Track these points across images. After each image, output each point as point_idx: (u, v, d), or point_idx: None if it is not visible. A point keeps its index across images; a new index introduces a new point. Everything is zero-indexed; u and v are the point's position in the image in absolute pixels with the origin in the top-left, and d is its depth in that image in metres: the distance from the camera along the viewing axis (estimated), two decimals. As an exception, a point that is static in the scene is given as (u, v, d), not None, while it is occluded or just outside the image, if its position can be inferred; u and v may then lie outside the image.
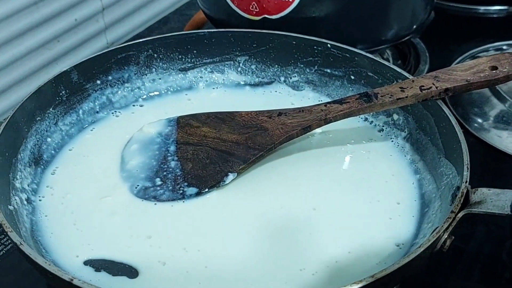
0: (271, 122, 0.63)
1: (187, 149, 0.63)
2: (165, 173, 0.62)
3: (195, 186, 0.61)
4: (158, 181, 0.61)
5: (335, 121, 0.62)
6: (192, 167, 0.62)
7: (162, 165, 0.62)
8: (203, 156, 0.62)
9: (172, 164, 0.62)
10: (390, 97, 0.62)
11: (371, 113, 0.71)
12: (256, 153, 0.62)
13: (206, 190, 0.61)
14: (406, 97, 0.61)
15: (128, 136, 0.68)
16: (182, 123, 0.64)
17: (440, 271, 0.64)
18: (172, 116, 0.66)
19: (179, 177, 0.61)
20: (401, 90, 0.62)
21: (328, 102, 0.63)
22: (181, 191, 0.61)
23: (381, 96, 0.62)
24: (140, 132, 0.65)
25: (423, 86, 0.61)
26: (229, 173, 0.61)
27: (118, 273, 0.55)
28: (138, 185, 0.62)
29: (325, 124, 0.62)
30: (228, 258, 0.56)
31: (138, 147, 0.64)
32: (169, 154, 0.63)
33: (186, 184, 0.61)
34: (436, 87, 0.61)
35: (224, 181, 0.61)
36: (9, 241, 0.66)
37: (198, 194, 0.61)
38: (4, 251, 0.65)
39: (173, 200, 0.60)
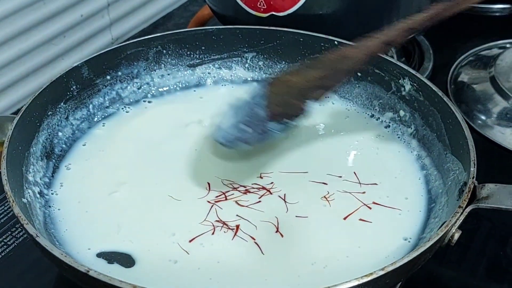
0: (353, 50, 0.62)
1: (277, 98, 0.62)
2: (255, 122, 0.62)
3: (279, 120, 0.62)
4: (248, 129, 0.62)
5: (419, 30, 0.61)
6: (280, 109, 0.62)
7: (252, 116, 0.63)
8: (290, 98, 0.62)
9: (262, 113, 0.62)
10: None
11: (378, 109, 0.72)
12: (337, 77, 0.63)
13: (287, 120, 0.62)
14: None
15: (139, 130, 0.69)
16: (273, 82, 0.64)
17: (446, 266, 0.65)
18: (265, 80, 0.67)
19: (266, 120, 0.62)
20: None
21: (412, 15, 0.61)
22: (268, 129, 0.62)
23: None
24: (235, 101, 0.65)
25: None
26: (308, 100, 0.62)
27: (130, 265, 0.56)
28: (227, 134, 0.62)
29: (409, 35, 0.61)
30: (240, 253, 0.57)
31: (233, 112, 0.64)
32: (258, 107, 0.62)
33: (271, 122, 0.62)
34: None
35: (307, 109, 0.62)
36: (21, 234, 0.67)
37: (281, 127, 0.62)
38: (15, 244, 0.66)
39: (262, 140, 0.62)
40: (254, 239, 0.58)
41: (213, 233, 0.58)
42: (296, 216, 0.60)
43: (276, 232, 0.59)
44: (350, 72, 0.64)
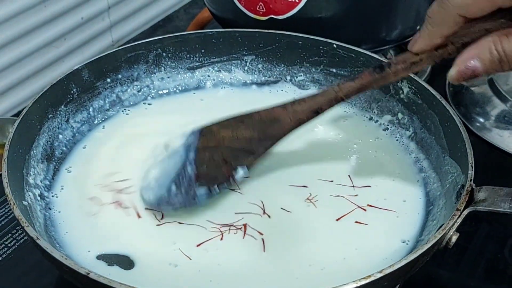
0: (284, 112, 0.60)
1: (204, 154, 0.61)
2: (182, 179, 0.60)
3: (205, 185, 0.60)
4: (173, 188, 0.60)
5: (347, 99, 0.59)
6: (205, 169, 0.61)
7: (179, 173, 0.61)
8: (218, 157, 0.61)
9: (189, 170, 0.61)
10: (403, 63, 0.55)
11: (376, 112, 0.72)
12: (267, 144, 0.61)
13: (216, 188, 0.61)
14: (421, 60, 0.54)
15: (139, 133, 0.70)
16: (204, 131, 0.62)
17: (444, 268, 0.65)
18: (197, 127, 0.63)
19: (192, 181, 0.60)
20: (414, 54, 0.55)
21: (341, 82, 0.59)
22: (192, 193, 0.60)
23: (394, 64, 0.56)
24: (165, 146, 0.64)
25: (438, 46, 0.54)
26: (238, 167, 0.61)
27: (130, 267, 0.56)
28: (154, 195, 0.61)
29: (336, 104, 0.59)
30: (239, 257, 0.57)
31: (161, 160, 0.63)
32: (188, 162, 0.61)
33: (197, 184, 0.60)
34: (453, 43, 0.52)
35: (236, 177, 0.61)
36: (21, 236, 0.67)
37: (208, 194, 0.60)
38: (16, 246, 0.66)
39: (185, 205, 0.60)
40: (261, 234, 0.59)
41: (221, 239, 0.59)
42: (293, 220, 0.61)
43: (274, 235, 0.59)
44: (278, 139, 0.61)
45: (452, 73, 0.51)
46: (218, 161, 0.61)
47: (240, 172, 0.61)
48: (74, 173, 0.66)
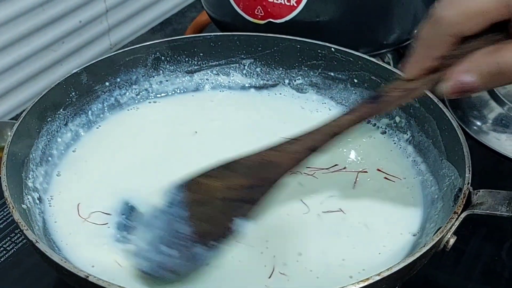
0: (278, 154, 0.56)
1: (199, 210, 0.56)
2: (180, 241, 0.55)
3: (203, 243, 0.55)
4: (173, 253, 0.55)
5: (345, 133, 0.55)
6: (205, 226, 0.56)
7: (175, 235, 0.55)
8: (214, 212, 0.56)
9: (186, 229, 0.55)
10: (399, 91, 0.52)
11: (374, 116, 0.73)
12: (264, 190, 0.56)
13: (214, 243, 0.55)
14: (416, 87, 0.51)
15: (134, 133, 0.71)
16: (190, 185, 0.57)
17: (442, 270, 0.66)
18: (181, 180, 0.58)
19: (194, 242, 0.55)
20: (408, 81, 0.52)
21: (338, 117, 0.55)
22: (197, 256, 0.55)
23: (389, 92, 0.53)
24: (149, 207, 0.59)
25: (431, 69, 0.50)
26: (236, 219, 0.55)
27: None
28: (149, 263, 0.55)
29: (333, 139, 0.55)
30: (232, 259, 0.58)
31: (148, 222, 0.58)
32: (181, 221, 0.56)
33: (198, 245, 0.55)
34: (447, 65, 0.49)
35: (235, 230, 0.55)
36: (20, 239, 0.67)
37: (209, 251, 0.55)
38: (15, 249, 0.67)
39: (191, 268, 0.55)
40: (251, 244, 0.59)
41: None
42: (293, 222, 0.61)
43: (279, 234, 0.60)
44: (277, 181, 0.56)
45: (446, 88, 0.49)
46: (215, 215, 0.56)
47: (239, 223, 0.55)
48: (65, 179, 0.66)
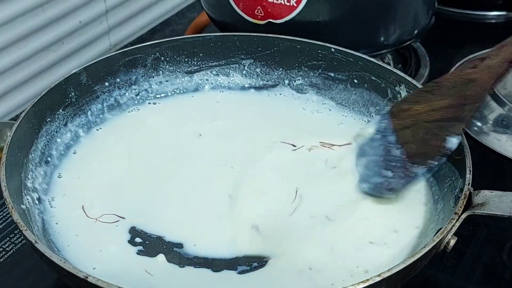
0: (476, 71, 0.57)
1: (406, 133, 0.60)
2: (393, 163, 0.60)
3: (422, 164, 0.59)
4: (389, 174, 0.60)
5: None
6: (415, 148, 0.59)
7: (387, 158, 0.60)
8: (423, 133, 0.59)
9: (397, 152, 0.60)
10: None
11: (374, 116, 0.72)
12: (470, 107, 0.57)
13: (435, 163, 0.59)
14: None
15: (136, 136, 0.71)
16: (395, 111, 0.62)
17: (442, 271, 0.65)
18: (384, 111, 0.64)
19: (406, 162, 0.59)
20: None
21: None
22: (412, 174, 0.60)
23: None
24: (358, 137, 0.64)
25: None
26: (448, 137, 0.58)
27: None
28: (369, 185, 0.61)
29: None
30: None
31: (361, 151, 0.63)
32: (391, 145, 0.60)
33: (414, 165, 0.59)
34: None
35: (449, 148, 0.58)
36: (20, 239, 0.67)
37: (428, 170, 0.60)
38: (14, 250, 0.66)
39: (407, 185, 0.60)
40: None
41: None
42: (295, 226, 0.61)
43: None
44: (479, 99, 0.58)
45: None
46: (424, 136, 0.59)
47: (452, 141, 0.58)
48: (66, 180, 0.66)
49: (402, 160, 0.59)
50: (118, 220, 0.61)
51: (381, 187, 0.61)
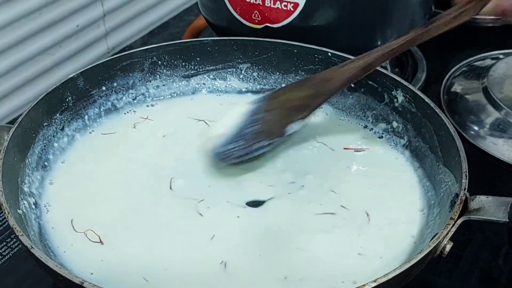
0: (335, 72, 0.68)
1: (268, 115, 0.67)
2: (246, 136, 0.66)
3: (264, 139, 0.66)
4: (240, 143, 0.65)
5: (396, 55, 0.68)
6: (267, 127, 0.66)
7: (244, 131, 0.66)
8: (277, 116, 0.67)
9: (253, 128, 0.66)
10: (449, 17, 0.63)
11: (371, 120, 0.73)
12: (320, 100, 0.68)
13: (271, 141, 0.66)
14: (465, 11, 0.63)
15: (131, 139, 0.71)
16: (272, 96, 0.69)
17: (439, 276, 0.66)
18: (267, 93, 0.71)
19: (253, 137, 0.66)
20: (458, 8, 0.64)
21: (388, 42, 0.67)
22: (252, 148, 0.66)
23: (440, 18, 0.63)
24: (236, 109, 0.68)
25: None
26: (291, 124, 0.66)
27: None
28: (217, 151, 0.66)
29: (385, 60, 0.69)
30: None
31: (232, 121, 0.67)
32: (252, 122, 0.66)
33: (258, 140, 0.66)
34: None
35: (289, 132, 0.66)
36: (16, 244, 0.67)
37: (265, 146, 0.66)
38: (10, 254, 0.66)
39: (242, 157, 0.66)
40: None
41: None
42: (288, 231, 0.61)
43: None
44: (329, 95, 0.68)
45: (488, 8, 0.57)
46: (276, 118, 0.67)
47: (293, 126, 0.67)
48: (58, 187, 0.65)
49: (253, 135, 0.66)
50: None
51: (228, 153, 0.65)
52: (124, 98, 0.75)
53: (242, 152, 0.65)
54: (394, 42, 0.65)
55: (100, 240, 0.59)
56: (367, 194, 0.65)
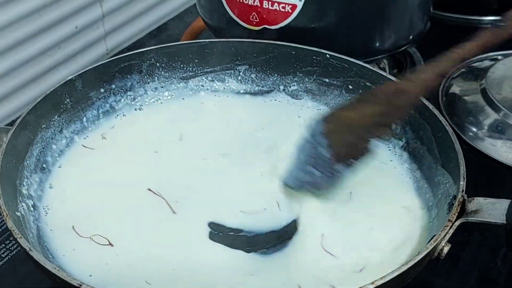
0: (407, 83, 0.63)
1: (336, 136, 0.63)
2: (319, 162, 0.63)
3: (345, 163, 0.62)
4: (314, 171, 0.62)
5: (470, 58, 0.67)
6: (342, 150, 0.63)
7: (315, 158, 0.63)
8: (351, 136, 0.63)
9: (325, 153, 0.62)
10: None
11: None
12: (398, 114, 0.64)
13: (353, 162, 0.63)
14: None
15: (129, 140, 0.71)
16: (328, 119, 0.64)
17: (438, 277, 0.66)
18: (319, 117, 0.66)
19: (331, 162, 0.62)
20: None
21: (462, 44, 0.62)
22: (336, 173, 0.63)
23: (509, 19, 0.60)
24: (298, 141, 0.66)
25: None
26: (372, 140, 0.62)
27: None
28: (293, 179, 0.64)
29: (460, 64, 0.64)
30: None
31: (297, 153, 0.65)
32: (320, 147, 0.63)
33: (338, 164, 0.62)
34: None
35: (372, 149, 0.63)
36: (15, 246, 0.67)
37: (347, 168, 0.63)
38: (9, 256, 0.66)
39: (330, 183, 0.63)
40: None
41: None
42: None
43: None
44: (409, 108, 0.64)
45: None
46: (351, 139, 0.63)
47: (375, 144, 0.63)
48: (57, 192, 0.65)
49: (328, 160, 0.62)
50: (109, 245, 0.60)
51: (305, 183, 0.63)
52: (122, 99, 0.75)
53: (324, 180, 0.63)
54: (469, 45, 0.61)
55: (110, 242, 0.59)
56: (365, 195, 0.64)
